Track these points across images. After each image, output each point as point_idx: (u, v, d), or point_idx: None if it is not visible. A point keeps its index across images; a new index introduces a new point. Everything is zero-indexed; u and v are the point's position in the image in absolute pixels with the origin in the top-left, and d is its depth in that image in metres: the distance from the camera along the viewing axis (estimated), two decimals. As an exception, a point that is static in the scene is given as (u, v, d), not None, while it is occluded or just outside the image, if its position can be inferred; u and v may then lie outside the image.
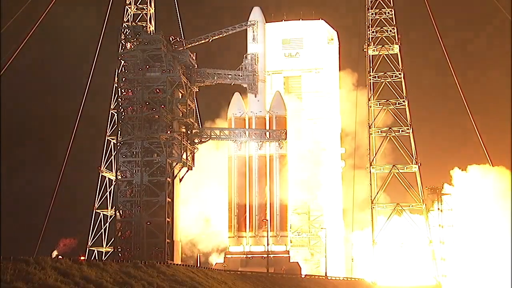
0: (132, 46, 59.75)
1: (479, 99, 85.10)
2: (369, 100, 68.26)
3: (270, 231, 61.07)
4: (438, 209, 67.83)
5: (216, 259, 66.11)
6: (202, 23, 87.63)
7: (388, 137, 67.16)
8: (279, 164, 62.73)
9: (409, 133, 67.31)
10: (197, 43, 62.57)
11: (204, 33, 62.76)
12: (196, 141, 61.67)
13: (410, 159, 67.00)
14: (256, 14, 64.21)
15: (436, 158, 79.57)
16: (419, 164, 66.57)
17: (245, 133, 62.00)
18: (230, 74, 63.02)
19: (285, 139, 61.70)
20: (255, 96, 63.43)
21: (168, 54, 59.60)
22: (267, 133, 62.03)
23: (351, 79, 73.98)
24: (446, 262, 66.11)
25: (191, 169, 61.39)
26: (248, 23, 63.48)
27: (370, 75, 68.29)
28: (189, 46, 61.99)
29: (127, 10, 66.65)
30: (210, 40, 62.80)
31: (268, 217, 61.32)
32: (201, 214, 67.71)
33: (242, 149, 62.94)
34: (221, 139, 62.47)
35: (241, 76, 62.74)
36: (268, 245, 57.83)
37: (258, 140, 62.07)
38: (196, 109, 63.01)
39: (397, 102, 67.99)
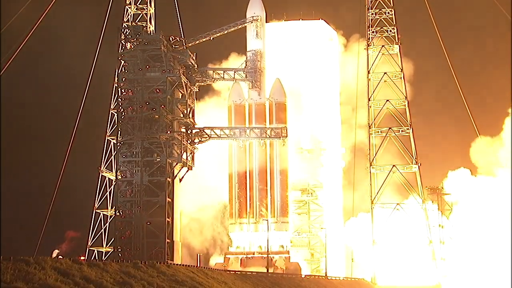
0: (132, 46, 59.70)
1: (479, 98, 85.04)
2: (369, 100, 68.29)
3: (271, 217, 61.38)
4: (438, 209, 67.95)
5: (216, 259, 66.16)
6: (202, 22, 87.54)
7: (388, 137, 67.24)
8: (279, 151, 62.66)
9: (409, 133, 67.37)
10: (197, 42, 62.56)
11: (204, 32, 62.77)
12: (196, 140, 61.63)
13: (410, 159, 67.06)
14: (256, 6, 63.88)
15: (436, 158, 79.57)
16: (419, 164, 66.63)
17: (245, 131, 61.88)
18: (231, 72, 62.94)
19: (286, 136, 61.59)
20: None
21: (168, 54, 59.54)
22: (268, 131, 61.89)
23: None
24: (446, 262, 66.18)
25: (191, 169, 61.36)
26: (251, 18, 63.28)
27: (369, 73, 68.47)
28: (190, 45, 61.96)
29: (127, 10, 66.60)
30: (212, 38, 62.80)
31: (268, 203, 61.42)
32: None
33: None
34: (222, 138, 62.40)
35: (243, 73, 62.70)
36: (268, 244, 57.67)
37: (259, 138, 62.06)
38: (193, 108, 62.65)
39: (397, 102, 68.09)
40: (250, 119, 63.72)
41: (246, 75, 62.68)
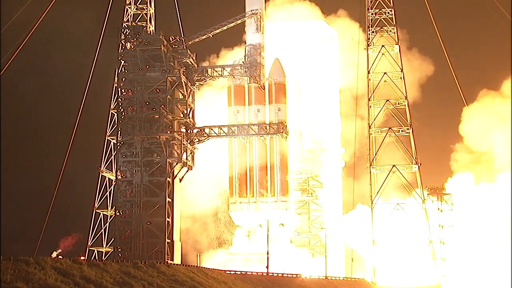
0: (132, 46, 59.74)
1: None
2: (369, 100, 68.24)
3: (271, 196, 61.47)
4: (438, 209, 67.91)
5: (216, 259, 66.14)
6: (201, 19, 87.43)
7: (388, 137, 67.18)
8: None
9: (409, 133, 67.32)
10: (197, 39, 62.49)
11: (204, 29, 62.67)
12: (195, 140, 61.55)
13: (410, 159, 67.01)
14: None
15: (436, 158, 79.55)
16: (419, 164, 66.58)
17: (244, 129, 61.77)
18: (229, 68, 62.64)
19: (283, 132, 61.30)
20: (264, 89, 63.29)
21: (168, 54, 59.61)
22: (267, 127, 61.75)
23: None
24: (446, 262, 66.16)
25: (191, 169, 61.38)
26: (250, 12, 63.11)
27: (369, 74, 68.43)
28: (190, 43, 61.85)
29: (127, 10, 66.56)
30: (212, 35, 62.71)
31: (268, 182, 61.67)
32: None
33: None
34: (221, 137, 62.19)
35: (241, 68, 62.32)
36: (268, 245, 57.60)
37: (258, 135, 61.93)
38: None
39: (397, 102, 68.03)
40: (250, 99, 63.63)
41: (244, 70, 62.32)
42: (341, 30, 75.92)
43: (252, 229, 62.71)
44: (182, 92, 60.66)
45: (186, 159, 60.15)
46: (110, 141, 64.50)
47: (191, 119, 60.93)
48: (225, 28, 62.71)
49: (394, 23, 68.98)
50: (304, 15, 74.39)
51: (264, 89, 63.49)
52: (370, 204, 66.46)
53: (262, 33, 63.68)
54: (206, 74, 62.45)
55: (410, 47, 74.62)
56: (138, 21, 65.59)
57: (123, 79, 59.42)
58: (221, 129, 61.79)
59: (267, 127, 61.76)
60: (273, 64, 64.04)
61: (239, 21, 63.21)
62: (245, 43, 64.14)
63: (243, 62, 62.66)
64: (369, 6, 69.30)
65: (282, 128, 61.33)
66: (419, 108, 76.36)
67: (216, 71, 62.70)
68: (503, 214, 66.21)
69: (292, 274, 55.82)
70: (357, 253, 69.64)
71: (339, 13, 76.43)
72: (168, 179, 58.02)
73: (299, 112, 70.03)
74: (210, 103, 66.71)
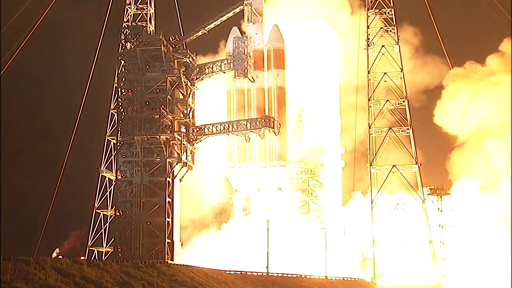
0: (132, 46, 59.73)
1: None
2: (369, 100, 68.20)
3: (269, 161, 61.98)
4: (438, 209, 67.90)
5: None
6: (201, 17, 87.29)
7: (388, 137, 67.16)
8: (277, 97, 62.75)
9: (409, 133, 67.31)
10: (193, 37, 62.35)
11: (201, 25, 62.49)
12: (193, 139, 61.28)
13: (410, 159, 66.99)
14: None
15: (436, 158, 79.55)
16: (419, 164, 66.57)
17: (239, 124, 61.48)
18: (218, 62, 62.25)
19: (273, 127, 60.64)
20: (253, 80, 62.92)
21: (168, 54, 59.60)
22: (256, 122, 61.34)
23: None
24: (446, 262, 66.17)
25: (191, 169, 61.33)
26: (238, 4, 62.75)
27: (369, 75, 68.37)
28: (187, 40, 61.68)
29: (127, 10, 66.53)
30: (208, 31, 62.53)
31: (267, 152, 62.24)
32: None
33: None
34: (216, 135, 61.72)
35: (228, 62, 61.64)
36: (268, 246, 57.60)
37: (249, 131, 61.31)
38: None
39: (397, 102, 68.01)
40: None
41: (230, 64, 61.53)
42: (347, 27, 75.98)
43: (251, 193, 62.94)
44: (182, 92, 60.64)
45: (186, 159, 60.11)
46: (110, 141, 64.47)
47: (191, 119, 60.85)
48: (218, 22, 62.37)
49: (394, 23, 69.00)
50: (306, 13, 74.13)
51: (254, 81, 63.14)
52: (370, 204, 66.45)
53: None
54: (204, 73, 62.13)
55: (428, 50, 74.99)
56: (138, 21, 65.55)
57: (123, 79, 59.44)
58: (216, 127, 61.32)
59: (256, 121, 61.03)
60: (272, 30, 64.14)
61: (231, 13, 62.78)
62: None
63: (229, 55, 62.25)
64: (369, 6, 69.30)
65: (269, 122, 60.30)
66: (421, 109, 76.53)
67: (209, 68, 62.27)
68: (503, 214, 66.25)
69: (292, 274, 55.85)
70: (357, 252, 69.64)
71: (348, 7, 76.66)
72: (168, 179, 58.02)
73: (300, 110, 70.13)
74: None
